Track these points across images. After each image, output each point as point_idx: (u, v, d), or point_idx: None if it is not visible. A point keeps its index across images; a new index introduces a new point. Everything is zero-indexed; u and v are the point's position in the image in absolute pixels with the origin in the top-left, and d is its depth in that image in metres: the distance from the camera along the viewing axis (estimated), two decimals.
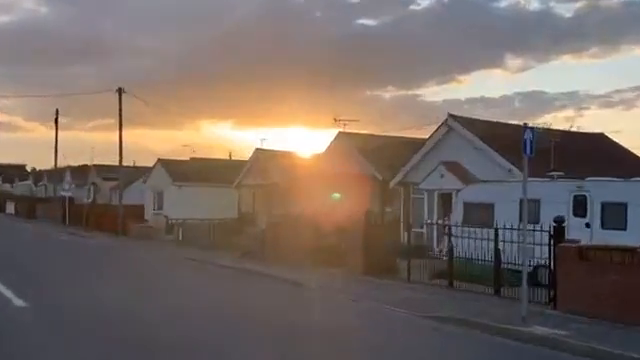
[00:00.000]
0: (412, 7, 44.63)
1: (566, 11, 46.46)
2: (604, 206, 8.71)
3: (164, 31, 46.09)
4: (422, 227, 12.99)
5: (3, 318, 6.00)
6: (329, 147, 18.70)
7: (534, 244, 7.01)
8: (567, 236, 7.23)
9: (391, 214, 15.64)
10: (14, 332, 5.26)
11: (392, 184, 15.85)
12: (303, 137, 43.38)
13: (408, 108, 48.88)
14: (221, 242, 16.00)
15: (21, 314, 6.21)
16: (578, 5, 43.94)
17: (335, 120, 19.21)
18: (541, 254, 7.23)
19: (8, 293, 7.32)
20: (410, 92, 53.14)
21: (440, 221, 11.88)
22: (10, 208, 32.17)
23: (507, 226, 7.56)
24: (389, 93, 54.00)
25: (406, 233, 12.72)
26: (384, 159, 16.48)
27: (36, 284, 8.66)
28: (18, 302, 6.78)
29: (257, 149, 21.92)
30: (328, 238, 12.58)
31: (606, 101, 40.16)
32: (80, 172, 29.29)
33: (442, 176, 13.41)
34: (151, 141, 59.60)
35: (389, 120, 52.60)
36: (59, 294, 7.78)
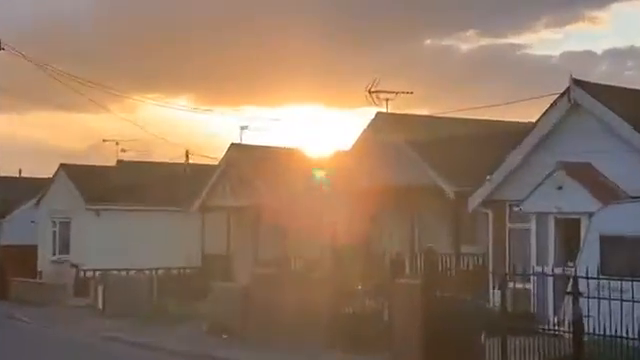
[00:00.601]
0: None
1: None
2: None
3: None
4: (527, 279, 11.66)
5: None
6: (360, 139, 18.17)
7: None
8: None
9: (471, 257, 15.92)
10: None
11: (472, 204, 15.26)
12: (313, 122, 39.55)
13: (499, 69, 40.49)
14: (174, 310, 15.48)
15: None
16: None
17: (369, 92, 18.19)
18: None
19: None
20: (503, 40, 50.69)
21: (559, 269, 11.18)
22: None
23: None
24: (467, 43, 48.90)
25: (499, 290, 11.89)
26: (456, 159, 16.18)
27: None
28: None
29: (233, 145, 21.25)
30: (358, 300, 12.69)
31: None
32: None
33: (561, 188, 12.31)
34: (50, 133, 48.53)
35: (465, 90, 38.61)
36: None
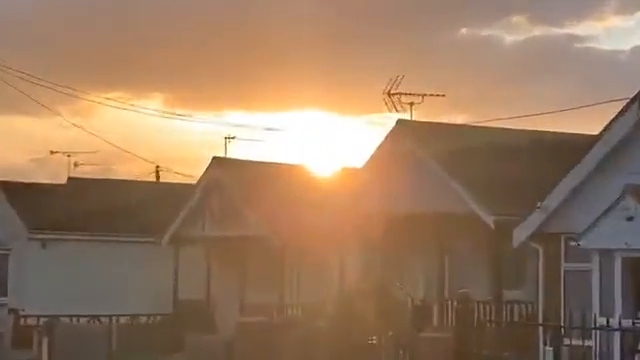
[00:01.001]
0: None
1: None
2: None
3: None
4: (588, 334, 11.76)
5: None
6: (375, 153, 18.57)
7: None
8: None
9: (516, 304, 16.29)
10: None
11: (518, 237, 15.37)
12: (316, 132, 42.36)
13: (553, 66, 42.69)
14: None
15: None
16: None
17: (389, 95, 18.59)
18: None
19: None
20: (559, 30, 52.91)
21: (628, 321, 11.57)
22: None
23: None
24: (513, 33, 51.62)
25: (551, 348, 12.79)
26: (497, 180, 16.51)
27: None
28: None
29: (217, 160, 21.82)
30: (372, 357, 13.18)
31: None
32: None
33: (631, 219, 12.44)
34: None
35: (509, 93, 43.03)
36: None
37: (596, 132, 14.77)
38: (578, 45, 47.95)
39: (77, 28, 44.55)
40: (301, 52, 40.05)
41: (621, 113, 14.12)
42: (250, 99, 52.13)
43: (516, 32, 50.73)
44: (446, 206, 16.36)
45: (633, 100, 13.87)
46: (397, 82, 18.73)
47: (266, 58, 45.38)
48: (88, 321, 18.63)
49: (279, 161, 23.04)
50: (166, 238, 21.72)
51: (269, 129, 32.37)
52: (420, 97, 18.76)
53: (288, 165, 22.43)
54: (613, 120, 14.00)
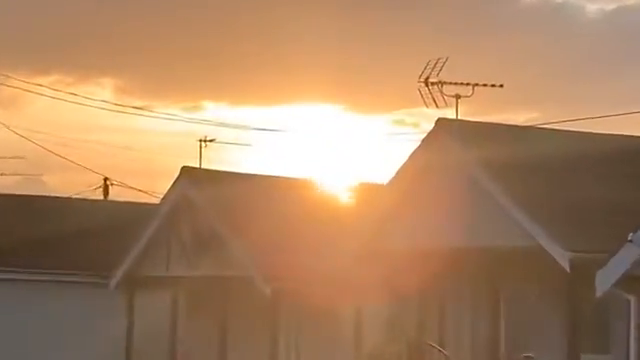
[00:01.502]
0: None
1: None
2: None
3: None
4: None
5: None
6: (407, 164, 18.92)
7: None
8: None
9: None
10: None
11: (603, 282, 14.89)
12: (325, 133, 44.57)
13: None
14: None
15: None
16: None
17: (426, 84, 18.56)
18: None
19: None
20: None
21: None
22: None
23: None
24: (597, 1, 54.60)
25: None
26: (572, 203, 17.02)
27: None
28: None
29: (187, 170, 22.49)
30: None
31: None
32: None
33: None
34: None
35: (593, 84, 47.17)
36: None
37: None
38: None
39: None
40: (306, 28, 40.59)
41: None
42: (236, 88, 52.39)
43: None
44: (503, 239, 16.40)
45: None
46: (438, 67, 18.73)
47: (258, 34, 45.99)
48: None
49: (273, 173, 23.09)
50: (116, 279, 21.81)
51: (260, 129, 32.50)
52: (469, 87, 18.73)
53: (286, 179, 22.57)
54: None
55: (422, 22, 43.70)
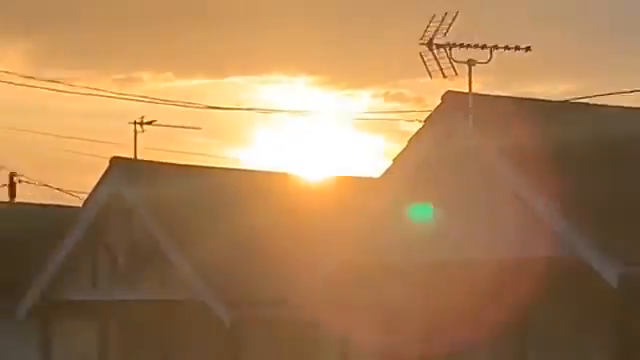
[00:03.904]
0: None
1: None
2: None
3: None
4: None
5: None
6: (406, 152, 19.20)
7: None
8: None
9: None
10: None
11: None
12: (300, 112, 43.32)
13: None
14: None
15: None
16: None
17: (429, 46, 19.00)
18: None
19: None
20: None
21: None
22: None
23: None
24: None
25: None
26: (622, 207, 17.46)
27: None
28: None
29: (117, 162, 22.97)
30: None
31: None
32: None
33: None
34: None
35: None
36: None
37: None
38: None
39: None
40: None
41: None
42: (181, 54, 52.63)
43: None
44: (531, 248, 16.60)
45: None
46: (445, 25, 18.74)
47: None
48: None
49: (232, 165, 23.35)
50: (26, 304, 21.86)
51: (213, 107, 32.53)
52: (486, 51, 18.72)
53: (248, 172, 22.87)
54: None
55: None
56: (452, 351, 18.14)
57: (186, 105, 28.86)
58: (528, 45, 19.75)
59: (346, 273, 18.20)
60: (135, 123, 22.97)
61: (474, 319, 18.01)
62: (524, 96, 20.55)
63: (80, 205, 23.05)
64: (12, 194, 29.65)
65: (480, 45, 18.85)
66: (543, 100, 21.44)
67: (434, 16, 18.80)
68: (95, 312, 22.02)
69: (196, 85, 50.23)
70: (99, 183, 21.91)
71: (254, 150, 45.73)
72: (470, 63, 18.59)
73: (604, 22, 45.10)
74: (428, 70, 18.96)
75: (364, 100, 49.24)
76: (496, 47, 18.89)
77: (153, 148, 23.64)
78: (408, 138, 18.69)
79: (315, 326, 18.52)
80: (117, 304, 21.47)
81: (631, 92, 20.94)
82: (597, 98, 20.63)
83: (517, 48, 19.57)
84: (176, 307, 20.37)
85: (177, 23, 47.49)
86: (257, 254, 19.46)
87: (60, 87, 35.55)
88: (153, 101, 28.19)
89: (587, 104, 20.46)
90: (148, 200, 21.02)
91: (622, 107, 19.21)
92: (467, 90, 18.30)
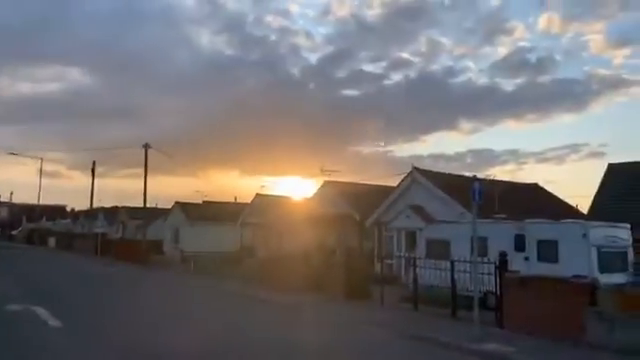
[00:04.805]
0: (385, 82, 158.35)
1: (508, 85, 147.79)
2: (539, 243, 33.52)
3: (184, 96, 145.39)
4: (392, 259, 46.20)
5: (42, 336, 20.73)
6: (317, 192, 60.65)
7: (483, 274, 26.59)
8: (510, 267, 27.58)
9: (367, 248, 52.72)
10: (51, 349, 19.29)
11: (368, 224, 53.35)
12: (296, 184, 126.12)
13: (381, 161, 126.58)
14: (227, 271, 54.06)
15: (57, 334, 21.86)
16: (518, 81, 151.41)
17: (322, 170, 61.36)
18: (489, 282, 27.12)
19: (46, 314, 26.30)
20: (382, 149, 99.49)
21: (407, 254, 42.41)
22: (52, 242, 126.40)
23: (461, 259, 30.41)
24: (366, 149, 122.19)
25: (379, 264, 43.14)
26: (361, 203, 55.67)
27: (72, 307, 29.88)
28: (55, 322, 24.38)
29: (257, 194, 70.75)
30: (315, 269, 40.68)
31: (542, 157, 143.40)
32: (111, 213, 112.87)
33: (408, 217, 49.36)
34: (170, 187, 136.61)
35: (365, 171, 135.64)
36: (93, 316, 27.64)
37: (395, 185, 54.96)
38: (389, 154, 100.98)
39: (201, 138, 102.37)
40: (291, 150, 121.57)
41: (403, 179, 52.05)
42: (272, 169, 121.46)
43: (367, 148, 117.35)
44: (343, 213, 55.45)
45: (407, 175, 48.30)
46: (325, 165, 63.97)
47: (279, 151, 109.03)
48: (209, 253, 73.38)
49: (280, 194, 62.21)
50: (238, 223, 67.68)
51: (276, 181, 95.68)
52: (333, 171, 61.32)
53: (284, 196, 49.08)
54: (401, 182, 53.88)
55: None
56: None
57: None
58: (339, 170, 61.74)
59: None
60: (261, 186, 61.07)
61: (337, 229, 55.73)
62: (346, 181, 61.11)
63: None
64: None
65: (334, 169, 58.97)
66: (350, 182, 62.86)
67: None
68: (252, 226, 58.20)
69: None
70: (253, 199, 65.69)
71: None
72: (329, 173, 63.62)
73: None
74: (323, 175, 60.67)
75: (311, 182, 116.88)
76: (338, 171, 61.96)
77: None
78: (315, 191, 53.33)
79: None
80: (256, 224, 45.85)
81: None
82: None
83: (338, 171, 61.34)
84: (265, 225, 48.89)
85: None
86: None
87: (242, 179, 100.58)
88: None
89: (360, 184, 57.20)
90: (267, 204, 54.22)
91: None
92: (332, 180, 60.87)
